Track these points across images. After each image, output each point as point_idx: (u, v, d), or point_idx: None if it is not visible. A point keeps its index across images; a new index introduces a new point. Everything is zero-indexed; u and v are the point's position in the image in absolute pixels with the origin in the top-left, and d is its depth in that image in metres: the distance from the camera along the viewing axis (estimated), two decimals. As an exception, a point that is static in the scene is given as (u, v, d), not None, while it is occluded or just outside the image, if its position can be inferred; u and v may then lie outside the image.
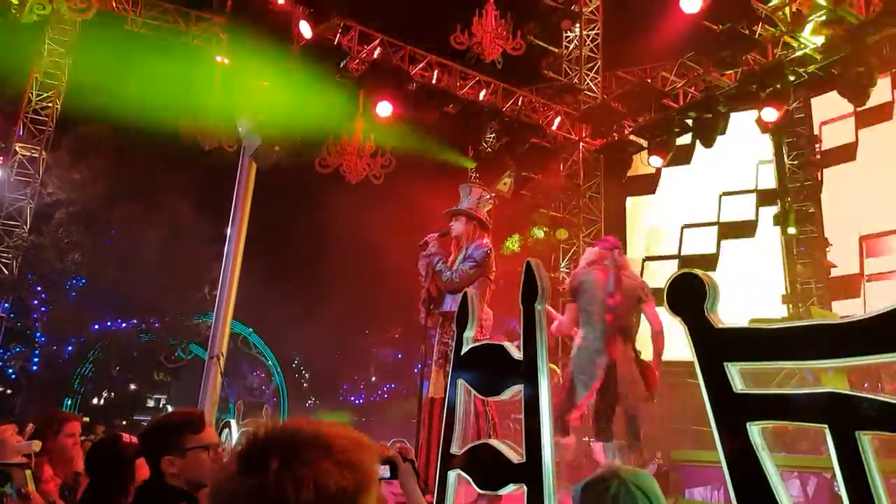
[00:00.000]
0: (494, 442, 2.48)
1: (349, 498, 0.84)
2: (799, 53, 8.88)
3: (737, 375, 1.38)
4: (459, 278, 4.76)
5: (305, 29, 9.04)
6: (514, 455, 2.27)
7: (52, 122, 12.86)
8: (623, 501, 1.38)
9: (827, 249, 9.91)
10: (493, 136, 11.80)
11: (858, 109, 9.73)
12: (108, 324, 17.41)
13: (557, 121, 12.10)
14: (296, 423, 0.89)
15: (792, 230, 10.01)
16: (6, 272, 12.67)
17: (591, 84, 12.49)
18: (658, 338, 4.49)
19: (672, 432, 8.24)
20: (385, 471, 2.04)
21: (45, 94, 12.70)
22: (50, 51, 12.56)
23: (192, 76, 10.68)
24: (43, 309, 15.62)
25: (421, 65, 10.61)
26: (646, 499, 1.39)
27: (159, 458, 2.00)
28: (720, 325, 1.41)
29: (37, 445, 2.30)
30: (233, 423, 6.77)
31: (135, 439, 3.08)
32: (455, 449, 2.63)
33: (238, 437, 6.96)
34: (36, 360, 15.80)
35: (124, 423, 18.03)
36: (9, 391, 16.31)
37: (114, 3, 10.05)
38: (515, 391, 2.37)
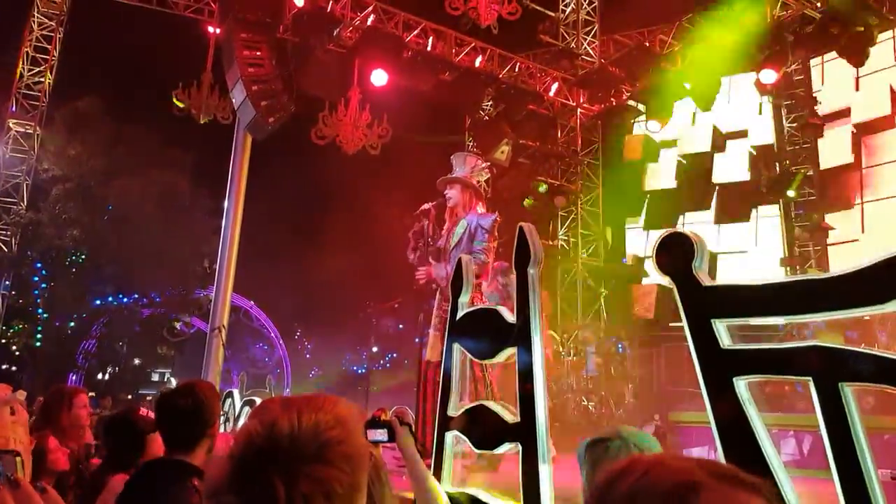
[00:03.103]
0: (490, 403, 2.52)
1: (355, 486, 0.89)
2: (798, 13, 8.75)
3: (724, 331, 1.41)
4: (485, 254, 4.84)
5: (297, -4, 8.89)
6: (509, 415, 2.32)
7: (45, 96, 12.73)
8: (619, 444, 1.41)
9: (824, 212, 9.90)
10: (489, 103, 11.69)
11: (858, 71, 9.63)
12: (110, 299, 17.50)
13: (555, 87, 11.96)
14: (284, 415, 0.88)
15: (790, 193, 9.98)
16: (5, 249, 12.69)
17: (588, 48, 12.31)
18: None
19: (669, 394, 8.38)
20: (382, 434, 2.06)
21: (37, 69, 12.54)
22: (39, 24, 12.37)
23: (185, 48, 10.53)
24: (43, 286, 15.69)
25: (416, 32, 10.44)
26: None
27: (199, 431, 1.98)
28: (707, 283, 1.43)
29: (21, 395, 2.31)
30: (235, 392, 6.90)
31: (151, 414, 3.13)
32: (452, 411, 2.68)
33: (241, 410, 7.06)
34: (39, 336, 15.92)
35: (129, 397, 18.25)
36: (13, 368, 16.48)
37: (102, -26, 9.86)
38: (510, 354, 2.41)
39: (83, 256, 16.57)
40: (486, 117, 11.79)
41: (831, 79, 10.53)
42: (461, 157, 5.27)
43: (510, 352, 2.41)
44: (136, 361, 20.53)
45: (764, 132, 11.08)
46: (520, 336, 2.35)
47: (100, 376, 19.81)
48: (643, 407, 8.21)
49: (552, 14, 12.28)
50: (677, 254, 1.48)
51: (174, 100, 9.28)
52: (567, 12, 12.51)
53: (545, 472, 2.12)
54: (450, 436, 2.62)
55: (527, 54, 11.92)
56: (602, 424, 7.68)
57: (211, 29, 9.89)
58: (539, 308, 2.35)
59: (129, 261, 16.29)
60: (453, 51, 10.69)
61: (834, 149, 10.38)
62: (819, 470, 1.35)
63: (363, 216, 17.14)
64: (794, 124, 10.58)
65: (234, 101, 8.81)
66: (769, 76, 8.95)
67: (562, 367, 9.03)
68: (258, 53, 8.45)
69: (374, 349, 22.89)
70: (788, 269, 10.12)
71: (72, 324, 17.13)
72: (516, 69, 11.49)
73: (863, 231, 9.94)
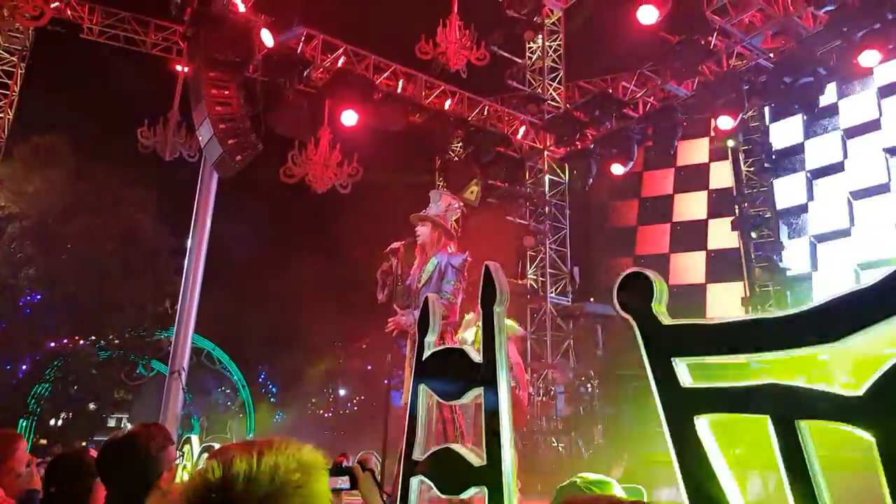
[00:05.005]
0: (456, 446, 2.47)
1: None
2: (752, 63, 9.19)
3: (684, 370, 1.41)
4: (453, 296, 4.80)
5: (267, 38, 8.97)
6: (475, 458, 2.27)
7: (3, 132, 12.46)
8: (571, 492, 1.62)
9: (782, 252, 10.22)
10: (459, 144, 11.88)
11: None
12: (65, 341, 16.84)
13: (522, 130, 12.25)
14: (243, 456, 0.85)
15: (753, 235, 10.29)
16: (-45, 289, 12.20)
17: (554, 94, 12.68)
18: (518, 369, 4.98)
19: (639, 435, 8.35)
20: (344, 482, 2.00)
21: (-3, 104, 12.31)
22: (0, 59, 12.20)
23: (152, 85, 10.50)
24: (-5, 327, 15.06)
25: (386, 74, 10.62)
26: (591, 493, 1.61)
27: (145, 482, 1.84)
28: (667, 322, 1.44)
29: None
30: (194, 439, 6.66)
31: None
32: (418, 455, 2.62)
33: (199, 457, 6.80)
34: (-12, 380, 15.19)
35: (84, 444, 17.40)
36: (-41, 413, 15.59)
37: (69, 11, 9.80)
38: (476, 394, 2.37)
39: (38, 296, 15.99)
40: (456, 158, 11.97)
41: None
42: (437, 195, 5.28)
43: (476, 392, 2.37)
44: (92, 406, 19.66)
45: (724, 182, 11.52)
46: (485, 376, 2.32)
47: (52, 422, 18.89)
48: (613, 447, 8.17)
49: (519, 61, 12.65)
50: (637, 293, 1.50)
51: (139, 137, 9.19)
52: (534, 59, 12.91)
53: (511, 516, 2.06)
54: (415, 481, 2.55)
55: (495, 98, 12.21)
56: (571, 466, 7.60)
57: (179, 67, 9.89)
58: (505, 348, 2.33)
59: (87, 301, 15.76)
60: (423, 93, 10.88)
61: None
62: (784, 509, 1.34)
63: (331, 255, 17.03)
64: (752, 168, 10.99)
65: (200, 139, 8.74)
66: (726, 122, 9.32)
67: (532, 408, 8.98)
68: (227, 92, 8.45)
69: (342, 392, 22.44)
70: (749, 308, 10.35)
71: (24, 367, 16.40)
72: (485, 112, 11.74)
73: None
